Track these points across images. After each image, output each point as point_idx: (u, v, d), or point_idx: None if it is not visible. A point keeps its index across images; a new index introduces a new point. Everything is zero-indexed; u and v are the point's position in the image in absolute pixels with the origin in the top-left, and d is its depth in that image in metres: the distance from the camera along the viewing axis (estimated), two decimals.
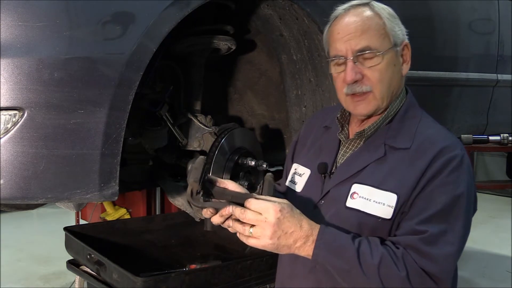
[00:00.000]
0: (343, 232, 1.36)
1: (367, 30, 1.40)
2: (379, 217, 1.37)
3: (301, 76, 2.35)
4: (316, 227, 1.34)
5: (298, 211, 1.34)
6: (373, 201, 1.38)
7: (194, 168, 1.38)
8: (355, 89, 1.43)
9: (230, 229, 1.38)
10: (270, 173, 1.48)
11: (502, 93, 3.57)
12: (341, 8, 1.47)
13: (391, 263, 1.29)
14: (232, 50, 2.20)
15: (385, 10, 1.44)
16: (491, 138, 3.39)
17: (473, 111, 3.41)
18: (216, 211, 1.37)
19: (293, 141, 1.78)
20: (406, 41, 1.46)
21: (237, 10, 2.20)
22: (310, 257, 1.33)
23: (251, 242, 1.33)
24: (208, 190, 1.41)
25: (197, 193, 1.36)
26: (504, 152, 4.41)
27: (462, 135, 3.24)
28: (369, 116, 1.49)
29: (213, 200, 1.40)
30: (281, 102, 2.55)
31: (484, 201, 6.89)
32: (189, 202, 1.56)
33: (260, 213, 1.30)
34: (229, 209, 1.33)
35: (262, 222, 1.29)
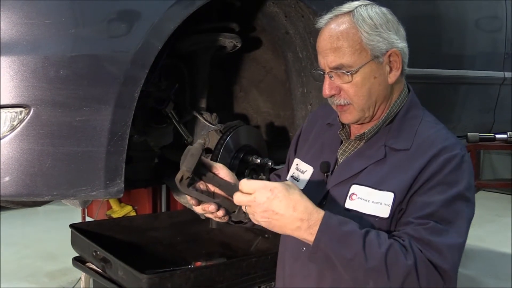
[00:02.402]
0: (350, 220, 1.32)
1: (341, 47, 1.39)
2: (377, 217, 1.36)
3: (307, 73, 2.35)
4: (319, 212, 1.29)
5: (298, 193, 1.29)
6: (372, 201, 1.38)
7: (191, 154, 1.36)
8: (334, 102, 1.46)
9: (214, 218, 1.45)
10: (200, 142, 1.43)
11: (509, 91, 3.55)
12: (326, 17, 1.46)
13: (399, 252, 1.26)
14: (237, 48, 2.20)
15: (366, 21, 1.39)
16: (497, 136, 3.37)
17: (480, 109, 3.40)
18: (199, 202, 1.40)
19: (296, 134, 1.78)
20: (394, 48, 1.41)
21: (243, 7, 2.19)
22: (308, 242, 1.29)
23: (251, 219, 1.33)
24: (199, 175, 1.40)
25: (186, 178, 1.36)
26: (511, 150, 4.39)
27: (468, 133, 3.23)
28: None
29: (200, 187, 1.41)
30: (287, 100, 2.54)
31: (491, 199, 6.85)
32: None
33: (250, 193, 1.29)
34: (212, 207, 1.39)
35: (252, 202, 1.28)
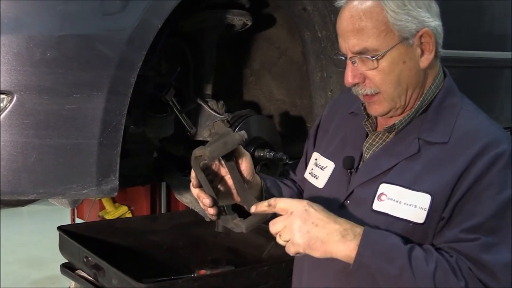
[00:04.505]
0: (391, 233, 1.34)
1: (364, 28, 1.37)
2: (410, 221, 1.35)
3: (327, 56, 2.34)
4: (359, 226, 1.33)
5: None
6: (404, 203, 1.37)
7: (224, 142, 1.39)
8: (359, 92, 1.45)
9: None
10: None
11: None
12: None
13: (448, 271, 1.27)
14: (247, 26, 2.20)
15: None
16: None
17: None
18: (199, 185, 1.44)
19: (315, 124, 1.77)
20: (426, 28, 1.39)
21: None
22: (350, 259, 1.30)
23: (288, 251, 1.34)
24: (222, 159, 1.45)
25: (203, 161, 1.41)
26: None
27: None
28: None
29: (212, 166, 1.46)
30: (304, 86, 2.54)
31: None
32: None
33: (286, 210, 1.33)
34: (207, 201, 1.42)
35: (288, 218, 1.32)
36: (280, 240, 1.34)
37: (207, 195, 1.42)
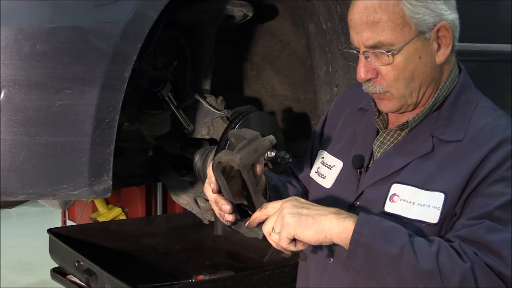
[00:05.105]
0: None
1: (379, 21, 1.37)
2: (423, 222, 1.36)
3: (332, 49, 2.35)
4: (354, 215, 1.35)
5: None
6: (417, 204, 1.38)
7: (255, 149, 1.39)
8: (369, 89, 1.45)
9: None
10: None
11: None
12: None
13: (452, 252, 1.27)
14: (248, 17, 2.20)
15: None
16: None
17: None
18: (219, 190, 1.43)
19: (321, 120, 1.77)
20: (443, 22, 1.39)
21: None
22: (345, 238, 1.30)
23: (282, 240, 1.34)
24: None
25: (229, 167, 1.40)
26: None
27: None
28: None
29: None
30: (308, 81, 2.54)
31: None
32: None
33: (276, 208, 1.36)
34: (227, 208, 1.42)
35: (279, 211, 1.34)
36: (274, 235, 1.34)
37: (227, 201, 1.42)
